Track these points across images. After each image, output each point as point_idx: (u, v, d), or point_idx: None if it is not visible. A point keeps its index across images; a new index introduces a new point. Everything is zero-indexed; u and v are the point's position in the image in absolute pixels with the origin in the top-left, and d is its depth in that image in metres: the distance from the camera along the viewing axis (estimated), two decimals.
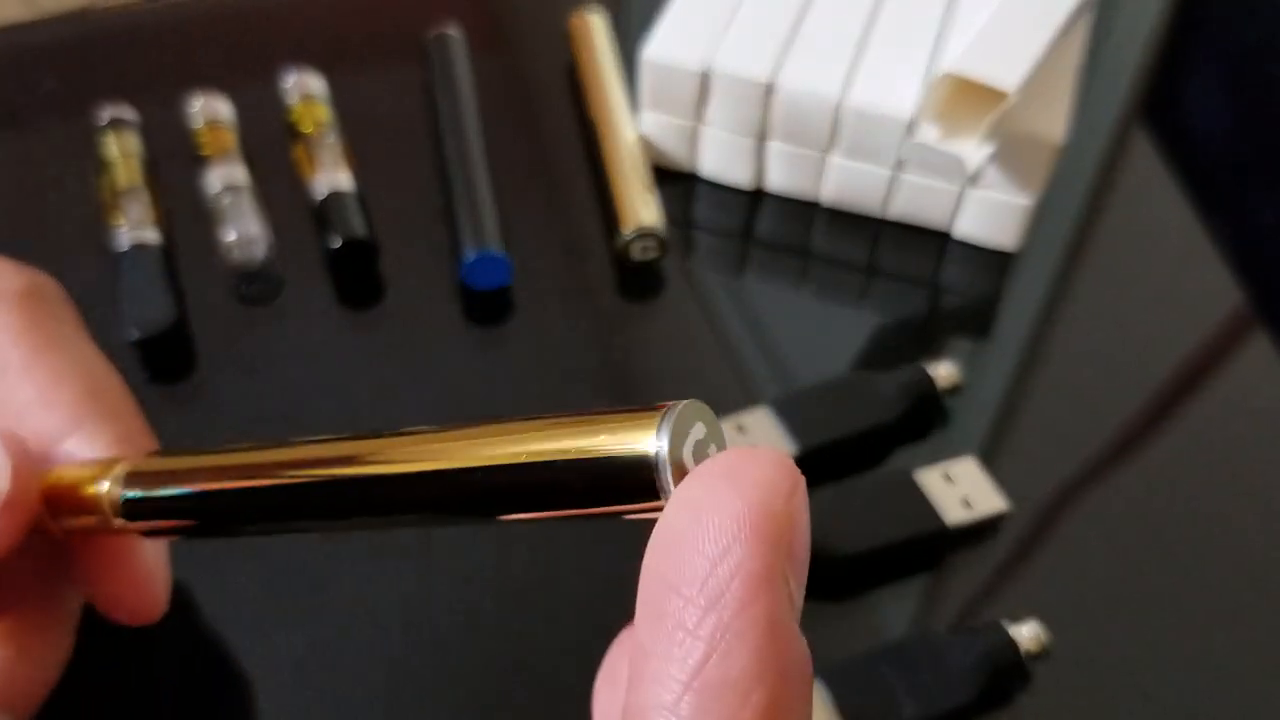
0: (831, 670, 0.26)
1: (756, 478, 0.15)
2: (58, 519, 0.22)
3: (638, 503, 0.15)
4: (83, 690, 0.25)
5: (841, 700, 0.26)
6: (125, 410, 0.24)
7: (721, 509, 0.14)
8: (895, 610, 0.29)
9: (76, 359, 0.24)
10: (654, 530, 0.15)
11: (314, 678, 0.27)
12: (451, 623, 0.28)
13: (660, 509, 0.15)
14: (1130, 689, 0.28)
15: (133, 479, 0.20)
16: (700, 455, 0.15)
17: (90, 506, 0.21)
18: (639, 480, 0.15)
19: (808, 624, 0.26)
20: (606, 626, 0.29)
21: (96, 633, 0.25)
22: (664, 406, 0.15)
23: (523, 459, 0.16)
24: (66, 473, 0.22)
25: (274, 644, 0.28)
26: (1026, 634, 0.27)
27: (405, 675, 0.27)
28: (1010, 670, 0.27)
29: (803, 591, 0.15)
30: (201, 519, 0.20)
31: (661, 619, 0.14)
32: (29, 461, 0.21)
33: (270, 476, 0.18)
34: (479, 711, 0.27)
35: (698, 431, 0.15)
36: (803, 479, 0.15)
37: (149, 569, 0.24)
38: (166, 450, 0.22)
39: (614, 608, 0.29)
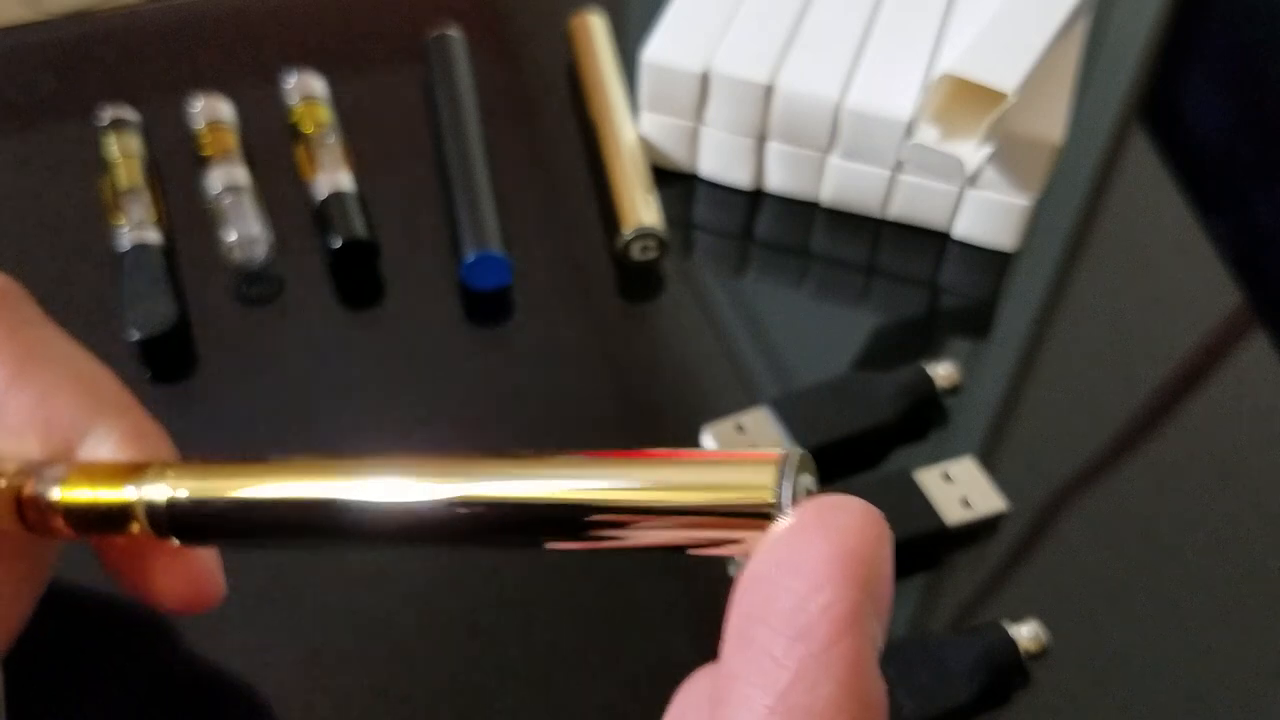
0: None
1: (846, 524, 0.16)
2: (82, 531, 0.21)
3: (743, 544, 0.16)
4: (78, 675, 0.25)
5: None
6: (126, 403, 0.23)
7: (812, 551, 0.15)
8: (895, 609, 0.29)
9: (62, 363, 0.23)
10: (745, 569, 0.16)
11: (315, 680, 0.27)
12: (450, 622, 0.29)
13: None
14: (1128, 688, 0.28)
15: (173, 490, 0.20)
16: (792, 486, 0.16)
17: (119, 520, 0.21)
18: (755, 526, 0.16)
19: None
20: (604, 632, 0.29)
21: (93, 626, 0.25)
22: (775, 456, 0.16)
23: (640, 504, 0.16)
24: (89, 483, 0.21)
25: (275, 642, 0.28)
26: (1025, 633, 0.27)
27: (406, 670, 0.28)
28: (1009, 670, 0.27)
29: (885, 635, 0.16)
30: (258, 538, 0.20)
31: (749, 645, 0.15)
32: None
33: (359, 509, 0.18)
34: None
35: (806, 481, 0.16)
36: (888, 528, 0.16)
37: (205, 556, 0.23)
38: (197, 460, 0.21)
39: (611, 616, 0.29)
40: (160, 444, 0.23)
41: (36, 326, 0.24)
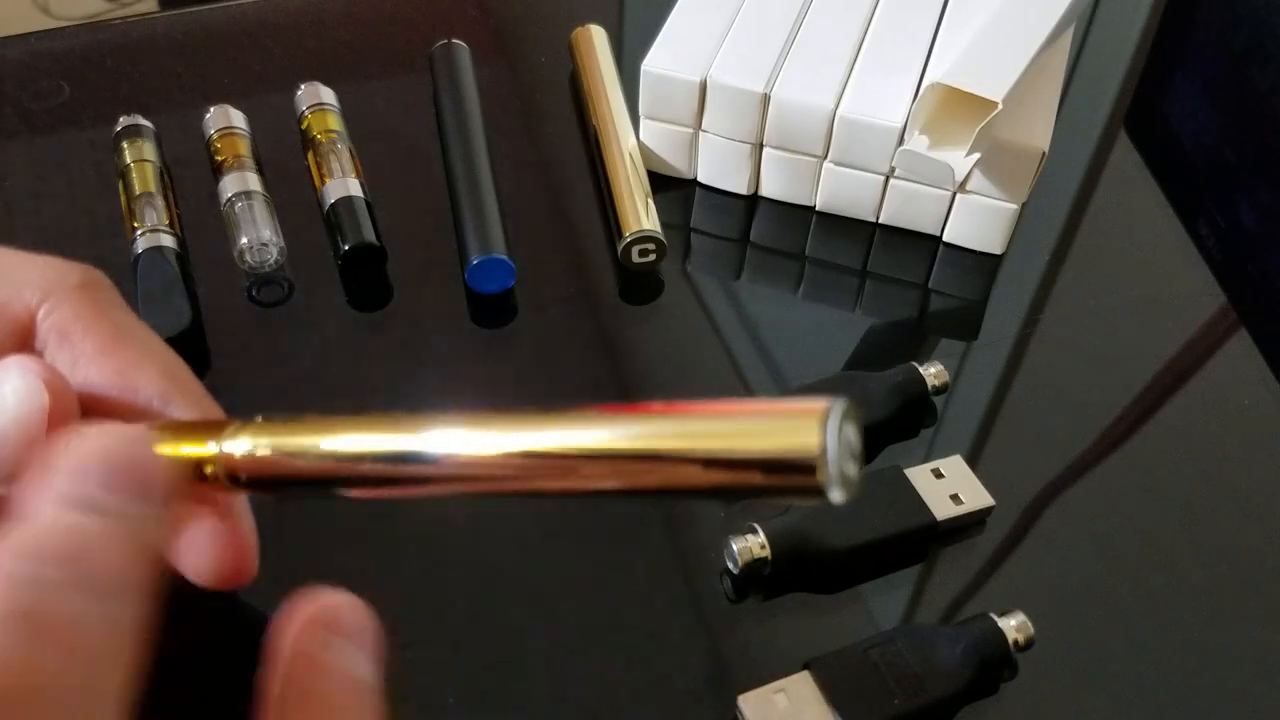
0: (823, 661, 0.27)
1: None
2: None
3: (792, 493, 0.16)
4: None
5: (833, 690, 0.26)
6: (200, 390, 0.24)
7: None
8: (886, 602, 0.29)
9: (146, 344, 0.24)
10: None
11: None
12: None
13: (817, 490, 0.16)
14: (1114, 678, 0.28)
15: (254, 443, 0.21)
16: (845, 450, 0.16)
17: (198, 473, 0.22)
18: (802, 480, 0.16)
19: (803, 616, 0.28)
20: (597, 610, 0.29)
21: None
22: (820, 408, 0.16)
23: (695, 453, 0.16)
24: (170, 439, 0.22)
25: None
26: (1013, 625, 0.28)
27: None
28: (998, 660, 0.28)
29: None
30: (345, 485, 0.21)
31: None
32: (68, 393, 0.22)
33: (423, 460, 0.19)
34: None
35: (849, 432, 0.16)
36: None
37: (247, 531, 0.24)
38: (275, 417, 0.22)
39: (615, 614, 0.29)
40: None
41: (123, 312, 0.25)
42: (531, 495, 0.19)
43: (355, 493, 0.21)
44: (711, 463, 0.16)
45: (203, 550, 0.24)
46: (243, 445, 0.21)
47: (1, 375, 0.21)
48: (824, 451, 0.15)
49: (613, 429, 0.17)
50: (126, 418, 0.23)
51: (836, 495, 0.16)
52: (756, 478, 0.16)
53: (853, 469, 0.16)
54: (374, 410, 0.21)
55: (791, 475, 0.16)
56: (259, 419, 0.22)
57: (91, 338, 0.24)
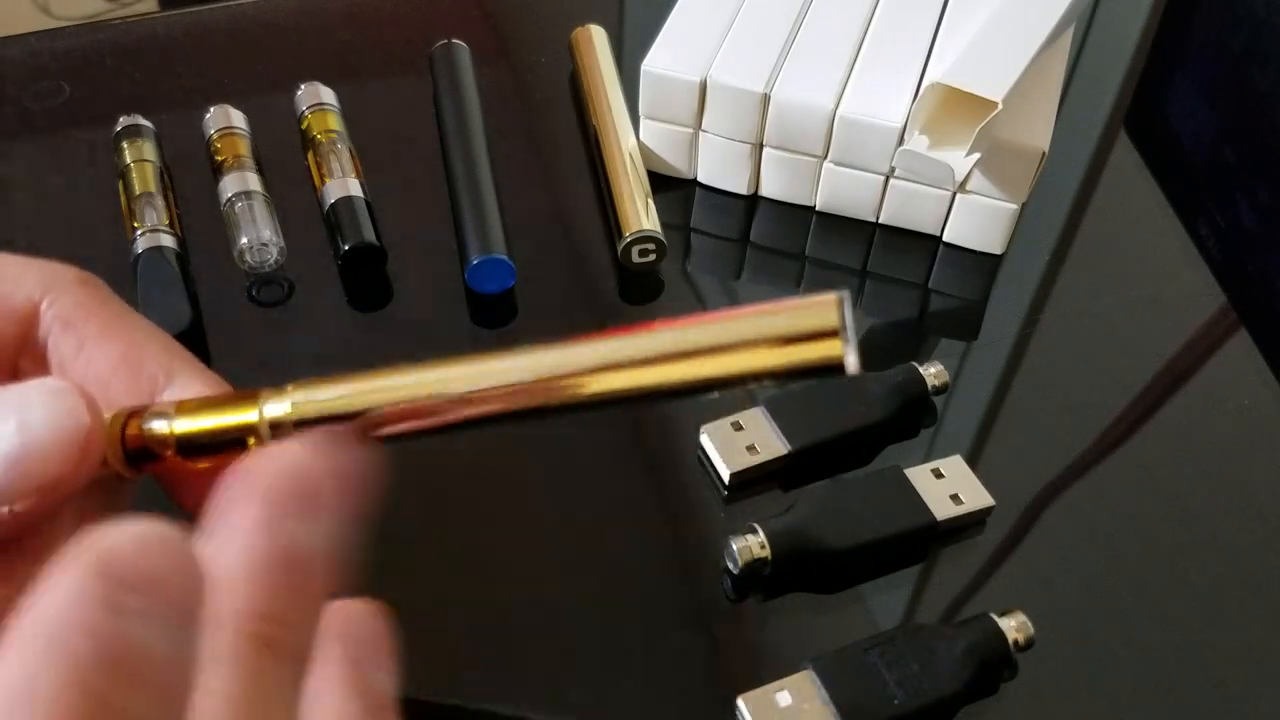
0: (824, 661, 0.27)
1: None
2: (194, 459, 0.23)
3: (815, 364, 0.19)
4: None
5: (833, 690, 0.26)
6: (201, 367, 0.25)
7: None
8: (886, 602, 0.29)
9: (147, 327, 0.25)
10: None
11: None
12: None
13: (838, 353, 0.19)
14: (1114, 678, 0.28)
15: (296, 405, 0.22)
16: (853, 329, 0.19)
17: (239, 442, 0.22)
18: (826, 350, 0.19)
19: (803, 616, 0.28)
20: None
21: None
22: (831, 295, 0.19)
23: (732, 341, 0.20)
24: (207, 412, 0.23)
25: None
26: (1013, 625, 0.28)
27: None
28: (998, 660, 0.28)
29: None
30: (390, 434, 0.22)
31: None
32: (97, 407, 0.22)
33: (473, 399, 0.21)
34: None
35: (848, 311, 0.19)
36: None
37: None
38: (307, 380, 0.23)
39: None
40: None
41: (120, 302, 0.26)
42: (571, 405, 0.21)
43: (400, 427, 0.22)
44: (747, 344, 0.20)
45: None
46: (282, 408, 0.22)
47: (34, 395, 0.22)
48: (843, 324, 0.19)
49: (653, 337, 0.20)
50: (133, 396, 0.24)
51: (852, 362, 0.19)
52: (788, 354, 0.19)
53: (854, 348, 0.19)
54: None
55: (817, 345, 0.19)
56: (289, 386, 0.22)
57: (94, 322, 0.24)
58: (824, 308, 0.19)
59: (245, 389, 0.23)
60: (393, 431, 0.22)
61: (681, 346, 0.20)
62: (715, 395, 0.21)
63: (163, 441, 0.23)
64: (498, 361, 0.21)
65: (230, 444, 0.23)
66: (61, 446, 0.21)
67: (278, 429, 0.22)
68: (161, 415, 0.23)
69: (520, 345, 0.21)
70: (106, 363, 0.24)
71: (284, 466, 0.18)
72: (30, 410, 0.21)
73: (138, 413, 0.23)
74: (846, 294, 0.19)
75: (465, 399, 0.21)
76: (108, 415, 0.23)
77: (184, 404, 0.23)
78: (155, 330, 0.25)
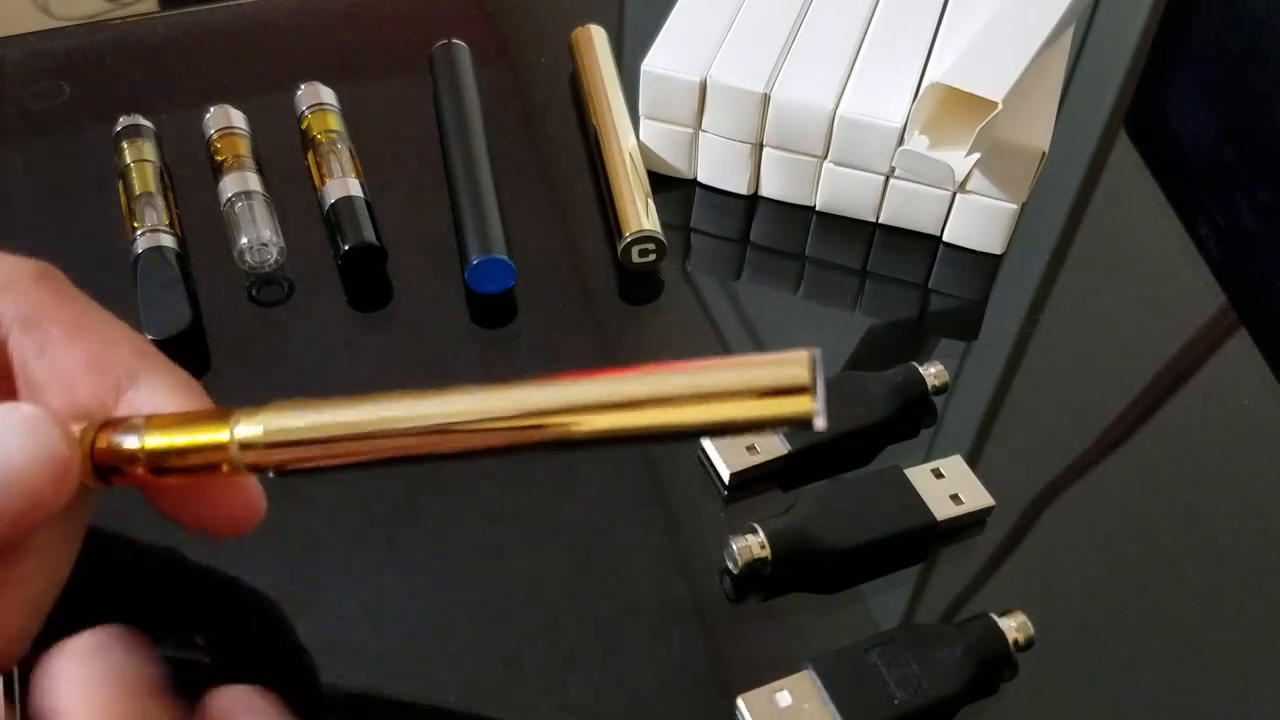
0: (824, 661, 0.27)
1: None
2: (164, 475, 0.23)
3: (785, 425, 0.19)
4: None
5: (834, 690, 0.26)
6: (167, 361, 0.25)
7: None
8: (886, 602, 0.29)
9: (111, 325, 0.25)
10: None
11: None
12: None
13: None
14: (1114, 678, 0.28)
15: (267, 429, 0.22)
16: (824, 387, 0.19)
17: (209, 461, 0.22)
18: (796, 407, 0.19)
19: (803, 616, 0.28)
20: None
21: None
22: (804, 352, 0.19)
23: (704, 390, 0.20)
24: (179, 429, 0.23)
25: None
26: (1013, 625, 0.28)
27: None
28: (998, 660, 0.28)
29: None
30: (349, 466, 0.22)
31: None
32: (74, 436, 0.22)
33: (430, 433, 0.21)
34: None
35: (821, 375, 0.19)
36: None
37: (251, 483, 0.25)
38: (279, 402, 0.23)
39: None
40: (197, 394, 0.25)
41: (83, 299, 0.25)
42: (546, 445, 0.21)
43: (369, 465, 0.22)
44: (718, 397, 0.20)
45: (214, 507, 0.24)
46: (254, 430, 0.22)
47: (9, 424, 0.22)
48: (814, 381, 0.19)
49: (628, 382, 0.20)
50: (100, 398, 0.24)
51: (820, 423, 0.19)
52: (758, 409, 0.19)
53: (825, 407, 0.19)
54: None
55: (787, 401, 0.19)
56: (259, 409, 0.22)
57: (57, 324, 0.24)
58: (796, 365, 0.19)
59: (220, 407, 0.23)
60: (358, 461, 0.22)
61: (648, 395, 0.20)
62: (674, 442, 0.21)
63: (132, 458, 0.23)
64: (473, 397, 0.21)
65: (201, 465, 0.22)
66: (39, 479, 0.21)
67: (248, 449, 0.22)
68: (132, 430, 0.23)
69: (503, 381, 0.21)
70: (72, 365, 0.24)
71: None
72: (6, 441, 0.21)
73: (109, 425, 0.23)
74: (818, 351, 0.19)
75: (440, 431, 0.21)
76: (78, 429, 0.23)
77: (156, 419, 0.23)
78: (119, 327, 0.25)
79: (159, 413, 0.23)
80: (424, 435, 0.21)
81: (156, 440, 0.23)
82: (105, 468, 0.23)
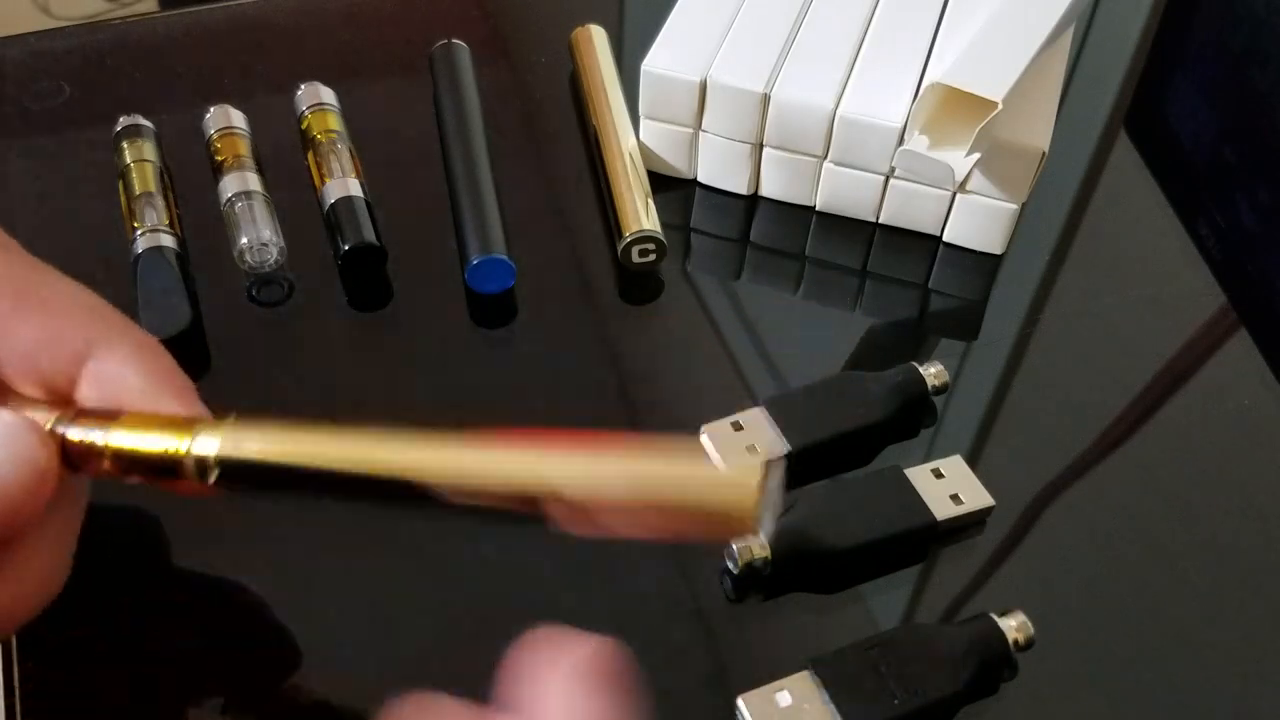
0: (824, 661, 0.27)
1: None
2: (126, 475, 0.23)
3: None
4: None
5: (834, 690, 0.26)
6: (126, 323, 0.24)
7: None
8: (886, 602, 0.30)
9: (62, 291, 0.24)
10: None
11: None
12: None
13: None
14: (1114, 678, 0.28)
15: (223, 448, 0.22)
16: (770, 503, 0.20)
17: (167, 469, 0.23)
18: (740, 528, 0.19)
19: (803, 616, 0.28)
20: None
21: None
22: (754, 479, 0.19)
23: (639, 501, 0.20)
24: (141, 430, 0.23)
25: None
26: (1013, 625, 0.28)
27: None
28: (998, 660, 0.28)
29: None
30: (298, 491, 0.22)
31: None
32: (52, 445, 0.22)
33: (383, 472, 0.21)
34: None
35: (773, 483, 0.19)
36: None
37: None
38: (243, 421, 0.23)
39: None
40: (162, 356, 0.25)
41: (30, 264, 0.25)
42: (477, 512, 0.21)
43: (322, 497, 0.22)
44: (661, 509, 0.20)
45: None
46: (210, 446, 0.22)
47: None
48: (760, 504, 0.19)
49: (593, 465, 0.20)
50: (59, 370, 0.23)
51: (766, 533, 0.21)
52: (701, 526, 0.20)
53: (771, 513, 0.20)
54: (346, 420, 0.22)
55: (731, 526, 0.20)
56: (230, 419, 0.23)
57: (7, 296, 0.23)
58: (744, 490, 0.19)
59: (189, 416, 0.23)
60: (314, 494, 0.22)
61: (596, 487, 0.20)
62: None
63: (99, 453, 0.23)
64: (443, 452, 0.21)
65: (160, 471, 0.23)
66: (17, 488, 0.21)
67: (201, 463, 0.22)
68: (100, 427, 0.23)
69: (477, 435, 0.21)
70: (27, 339, 0.23)
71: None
72: None
73: (83, 415, 0.23)
74: (775, 460, 0.19)
75: (400, 482, 0.21)
76: (52, 416, 0.23)
77: (128, 418, 0.23)
78: (74, 292, 0.24)
79: (135, 410, 0.23)
80: (389, 482, 0.21)
81: (120, 440, 0.23)
82: (76, 459, 0.23)
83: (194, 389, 0.25)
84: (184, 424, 0.23)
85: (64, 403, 0.24)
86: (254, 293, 0.36)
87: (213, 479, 0.22)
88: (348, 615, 0.29)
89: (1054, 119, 0.36)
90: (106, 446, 0.23)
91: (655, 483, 0.20)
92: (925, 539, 0.30)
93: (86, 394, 0.24)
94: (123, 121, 0.38)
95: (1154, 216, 0.40)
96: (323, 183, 0.37)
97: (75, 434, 0.23)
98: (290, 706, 0.28)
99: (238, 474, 0.22)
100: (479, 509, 0.21)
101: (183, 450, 0.22)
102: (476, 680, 0.28)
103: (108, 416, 0.23)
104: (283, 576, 0.29)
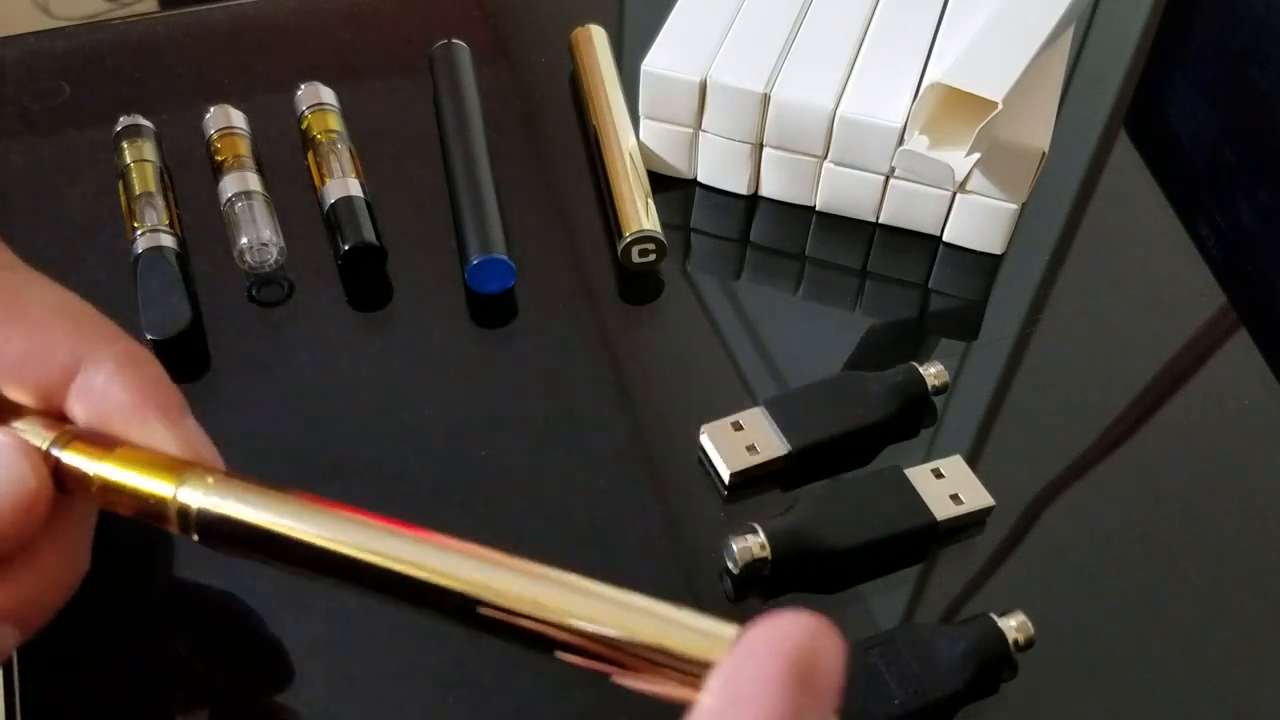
0: None
1: (788, 645, 0.17)
2: (111, 507, 0.23)
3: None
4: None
5: None
6: (114, 332, 0.24)
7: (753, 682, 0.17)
8: (886, 602, 0.30)
9: (48, 300, 0.24)
10: (699, 704, 0.18)
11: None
12: None
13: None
14: (1114, 678, 0.28)
15: (209, 503, 0.22)
16: None
17: (150, 510, 0.22)
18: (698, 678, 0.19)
19: None
20: None
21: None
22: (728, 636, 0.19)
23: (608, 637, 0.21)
24: (130, 465, 0.23)
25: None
26: (1013, 625, 0.28)
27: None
28: (998, 660, 0.28)
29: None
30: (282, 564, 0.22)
31: None
32: (44, 469, 0.22)
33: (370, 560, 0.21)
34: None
35: None
36: (835, 637, 0.17)
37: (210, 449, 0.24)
38: (236, 475, 0.23)
39: None
40: (150, 367, 0.24)
41: (16, 270, 0.25)
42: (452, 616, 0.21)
43: (296, 572, 0.22)
44: (626, 647, 0.20)
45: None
46: (195, 498, 0.22)
47: None
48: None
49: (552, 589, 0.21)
50: (47, 386, 0.23)
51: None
52: (661, 666, 0.20)
53: None
54: (336, 496, 0.22)
55: (696, 670, 0.19)
56: (216, 476, 0.22)
57: None
58: (717, 643, 0.19)
59: (181, 460, 0.23)
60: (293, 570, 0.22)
61: (577, 619, 0.21)
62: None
63: (88, 482, 0.23)
64: (434, 553, 0.21)
65: (145, 512, 0.23)
66: (12, 509, 0.21)
67: (184, 515, 0.22)
68: (93, 457, 0.23)
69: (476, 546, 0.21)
70: (14, 354, 0.23)
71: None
72: None
73: (79, 439, 0.23)
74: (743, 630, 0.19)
75: (385, 575, 0.21)
76: (50, 436, 0.23)
77: (122, 452, 0.23)
78: (62, 302, 0.24)
79: (132, 445, 0.23)
80: (380, 577, 0.21)
81: (107, 473, 0.23)
82: (67, 481, 0.23)
83: (182, 403, 0.24)
84: (175, 467, 0.23)
85: (56, 414, 0.24)
86: (254, 293, 0.36)
87: (194, 538, 0.22)
88: (341, 628, 0.29)
89: (1054, 119, 0.36)
90: (96, 477, 0.23)
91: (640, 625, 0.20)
92: (925, 539, 0.30)
93: (75, 409, 0.24)
94: (123, 121, 0.38)
95: (1154, 216, 0.40)
96: (323, 183, 0.37)
97: (68, 459, 0.23)
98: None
99: (220, 534, 0.22)
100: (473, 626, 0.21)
101: (168, 496, 0.22)
102: (476, 679, 0.28)
103: (103, 447, 0.23)
104: (279, 586, 0.29)
